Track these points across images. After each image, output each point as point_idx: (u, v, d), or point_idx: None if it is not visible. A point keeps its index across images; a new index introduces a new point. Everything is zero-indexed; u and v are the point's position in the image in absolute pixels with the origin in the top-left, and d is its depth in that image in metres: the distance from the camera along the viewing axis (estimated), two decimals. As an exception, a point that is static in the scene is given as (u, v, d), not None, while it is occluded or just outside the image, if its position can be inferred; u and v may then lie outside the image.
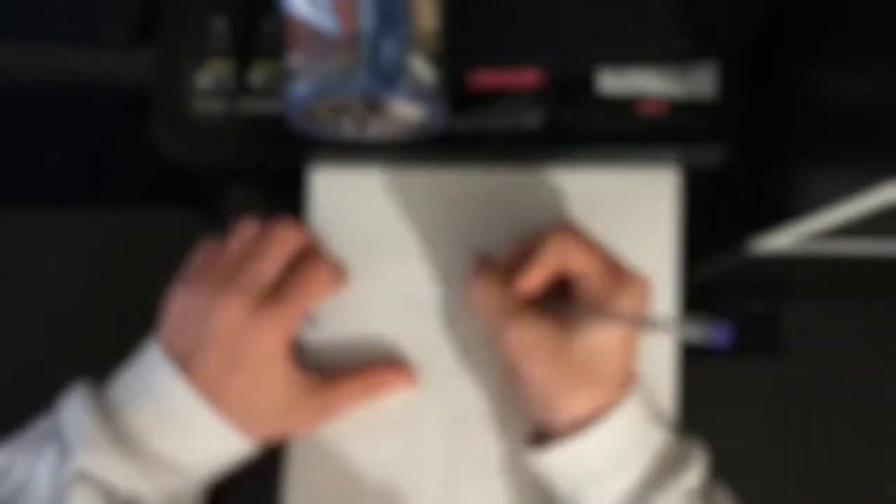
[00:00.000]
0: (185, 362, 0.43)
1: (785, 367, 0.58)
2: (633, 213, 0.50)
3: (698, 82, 0.48)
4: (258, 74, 0.47)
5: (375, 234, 0.50)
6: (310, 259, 0.46)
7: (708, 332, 0.37)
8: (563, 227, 0.44)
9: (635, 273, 0.43)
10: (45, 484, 0.40)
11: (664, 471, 0.42)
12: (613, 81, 0.48)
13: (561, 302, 0.44)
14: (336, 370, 0.48)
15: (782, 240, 0.47)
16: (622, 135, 0.48)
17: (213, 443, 0.43)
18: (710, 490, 0.43)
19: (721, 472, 0.44)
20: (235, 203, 0.55)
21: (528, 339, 0.42)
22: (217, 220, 0.55)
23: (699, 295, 0.54)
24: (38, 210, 0.57)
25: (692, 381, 0.50)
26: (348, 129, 0.45)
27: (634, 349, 0.43)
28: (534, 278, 0.43)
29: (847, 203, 0.40)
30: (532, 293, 0.44)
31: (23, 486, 0.40)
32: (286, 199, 0.52)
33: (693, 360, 0.51)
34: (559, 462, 0.43)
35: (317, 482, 0.48)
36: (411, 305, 0.50)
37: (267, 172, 0.54)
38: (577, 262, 0.43)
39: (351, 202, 0.51)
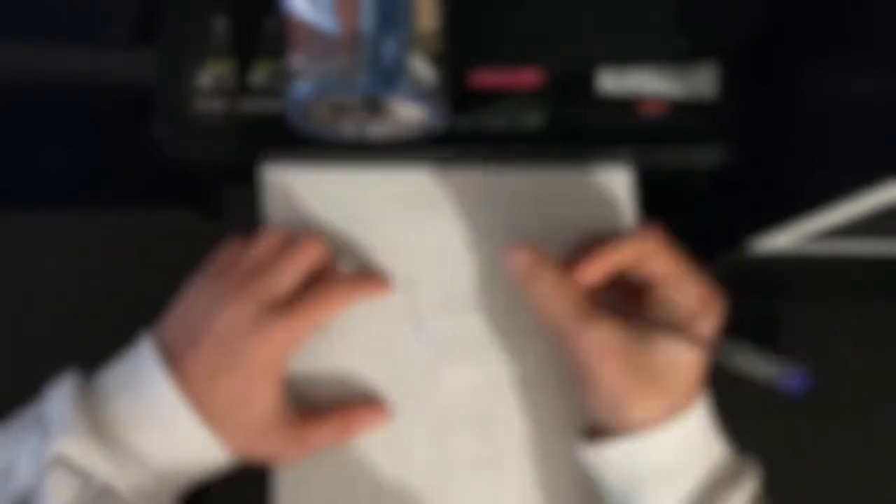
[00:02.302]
0: (177, 355, 0.42)
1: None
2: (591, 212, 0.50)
3: (699, 82, 0.48)
4: (259, 74, 0.47)
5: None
6: (327, 277, 0.46)
7: (783, 376, 0.38)
8: (651, 228, 0.44)
9: (717, 292, 0.42)
10: (26, 468, 0.40)
11: (717, 485, 0.41)
12: (614, 81, 0.48)
13: (636, 308, 0.43)
14: (313, 401, 0.47)
15: (782, 240, 0.47)
16: (622, 135, 0.48)
17: (188, 444, 0.42)
18: None
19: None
20: (235, 203, 0.55)
21: (606, 342, 0.41)
22: (217, 220, 0.56)
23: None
24: (38, 210, 0.57)
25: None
26: (349, 129, 0.45)
27: (705, 368, 0.43)
28: (595, 271, 0.43)
29: (847, 203, 0.40)
30: (592, 286, 0.43)
31: (5, 471, 0.40)
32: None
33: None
34: (617, 458, 0.42)
35: (307, 486, 0.48)
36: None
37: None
38: (660, 266, 0.42)
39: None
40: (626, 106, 0.48)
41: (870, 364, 0.58)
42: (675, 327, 0.41)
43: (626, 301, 0.45)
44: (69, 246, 0.55)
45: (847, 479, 0.56)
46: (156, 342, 0.43)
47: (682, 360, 0.41)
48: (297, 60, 0.42)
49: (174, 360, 0.42)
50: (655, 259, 0.42)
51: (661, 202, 0.54)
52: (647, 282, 0.43)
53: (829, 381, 0.58)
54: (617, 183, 0.50)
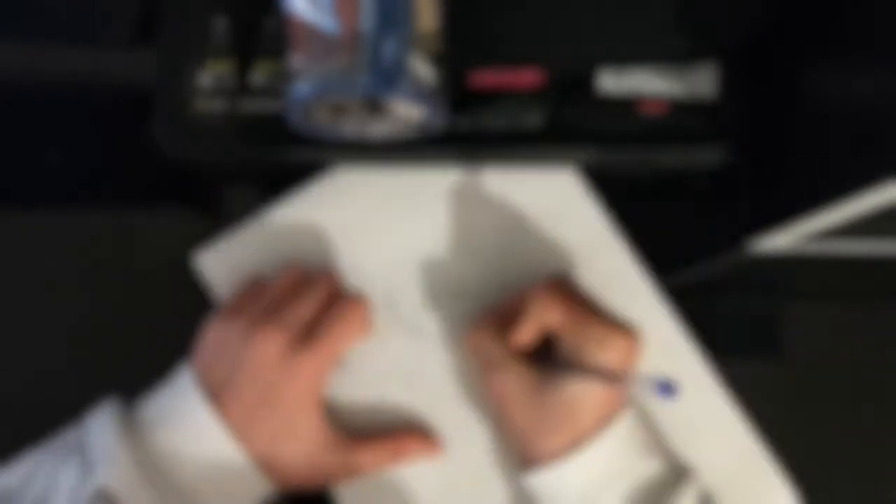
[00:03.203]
0: (216, 392, 0.43)
1: (785, 367, 0.58)
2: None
3: (698, 82, 0.48)
4: (259, 74, 0.47)
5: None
6: (342, 302, 0.47)
7: (656, 389, 0.39)
8: (544, 284, 0.45)
9: (619, 327, 0.43)
10: (65, 498, 0.40)
11: (650, 497, 0.42)
12: (613, 81, 0.48)
13: (550, 354, 0.45)
14: (356, 425, 0.48)
15: (782, 240, 0.47)
16: (622, 135, 0.48)
17: (234, 479, 0.43)
18: None
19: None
20: (235, 203, 0.55)
21: (509, 388, 0.44)
22: (217, 220, 0.56)
23: (699, 295, 0.54)
24: (38, 210, 0.57)
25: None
26: (349, 128, 0.45)
27: (617, 399, 0.43)
28: (523, 335, 0.45)
29: (847, 203, 0.40)
30: (526, 346, 0.45)
31: (43, 497, 0.40)
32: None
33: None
34: (540, 485, 0.44)
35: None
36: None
37: (267, 172, 0.54)
38: (552, 319, 0.44)
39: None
40: (626, 106, 0.48)
41: (870, 364, 0.58)
42: (575, 366, 0.43)
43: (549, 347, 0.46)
44: (69, 246, 0.55)
45: (847, 479, 0.56)
46: (196, 378, 0.43)
47: (585, 396, 0.42)
48: (297, 60, 0.42)
49: (215, 397, 0.43)
50: (550, 312, 0.44)
51: (661, 202, 0.54)
52: (553, 332, 0.45)
53: (829, 381, 0.58)
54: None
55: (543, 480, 0.43)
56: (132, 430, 0.42)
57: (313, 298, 0.46)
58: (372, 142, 0.47)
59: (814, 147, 0.45)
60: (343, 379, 0.49)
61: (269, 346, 0.43)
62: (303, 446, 0.44)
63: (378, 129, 0.45)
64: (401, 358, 0.49)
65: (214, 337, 0.45)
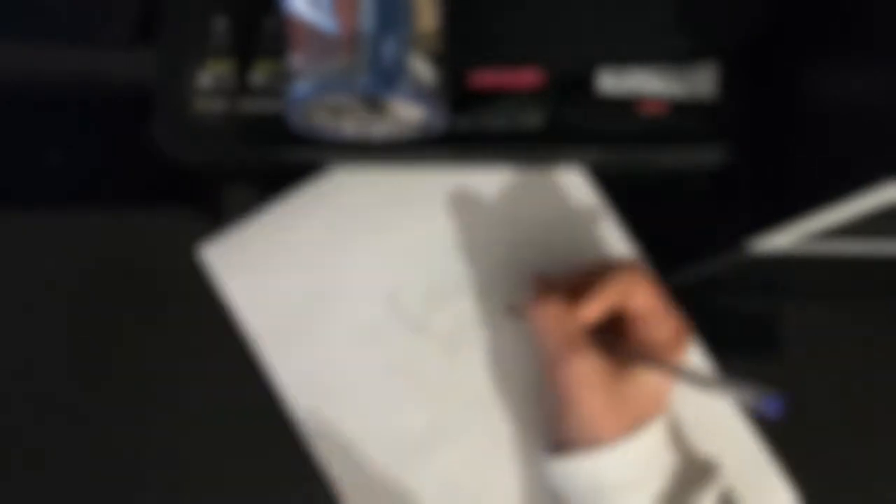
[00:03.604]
0: None
1: (785, 367, 0.58)
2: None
3: (698, 82, 0.48)
4: (259, 74, 0.47)
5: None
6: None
7: (759, 402, 0.37)
8: (629, 264, 0.45)
9: (686, 326, 0.44)
10: None
11: (676, 494, 0.42)
12: (613, 81, 0.48)
13: (617, 338, 0.45)
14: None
15: (782, 240, 0.47)
16: (622, 135, 0.48)
17: None
18: None
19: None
20: (235, 203, 0.55)
21: (586, 375, 0.43)
22: (217, 220, 0.56)
23: (699, 295, 0.54)
24: (38, 210, 0.57)
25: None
26: (349, 128, 0.45)
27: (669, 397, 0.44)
28: (594, 310, 0.44)
29: (847, 203, 0.40)
30: (590, 324, 0.45)
31: None
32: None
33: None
34: (576, 471, 0.43)
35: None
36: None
37: (267, 172, 0.54)
38: (636, 303, 0.44)
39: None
40: (626, 106, 0.48)
41: (870, 364, 0.58)
42: (652, 359, 0.43)
43: (605, 327, 0.46)
44: (69, 246, 0.55)
45: (847, 479, 0.56)
46: None
47: (654, 388, 0.43)
48: (297, 60, 0.42)
49: None
50: (637, 295, 0.44)
51: (661, 202, 0.54)
52: (629, 315, 0.44)
53: (829, 381, 0.58)
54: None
55: (591, 464, 0.42)
56: None
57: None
58: (372, 142, 0.47)
59: (814, 147, 0.45)
60: (343, 379, 0.48)
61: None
62: None
63: (378, 129, 0.45)
64: (401, 358, 0.49)
65: None
